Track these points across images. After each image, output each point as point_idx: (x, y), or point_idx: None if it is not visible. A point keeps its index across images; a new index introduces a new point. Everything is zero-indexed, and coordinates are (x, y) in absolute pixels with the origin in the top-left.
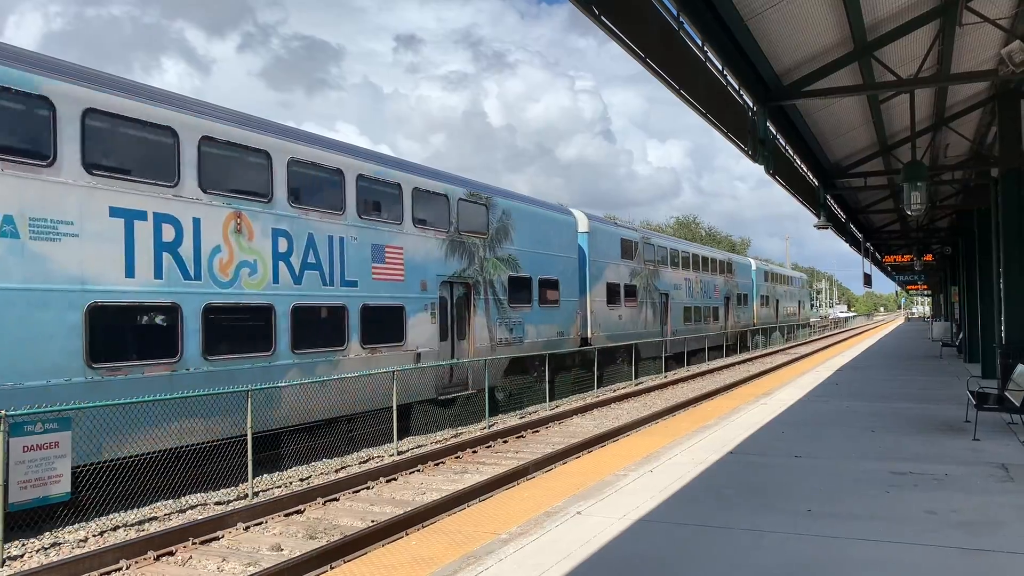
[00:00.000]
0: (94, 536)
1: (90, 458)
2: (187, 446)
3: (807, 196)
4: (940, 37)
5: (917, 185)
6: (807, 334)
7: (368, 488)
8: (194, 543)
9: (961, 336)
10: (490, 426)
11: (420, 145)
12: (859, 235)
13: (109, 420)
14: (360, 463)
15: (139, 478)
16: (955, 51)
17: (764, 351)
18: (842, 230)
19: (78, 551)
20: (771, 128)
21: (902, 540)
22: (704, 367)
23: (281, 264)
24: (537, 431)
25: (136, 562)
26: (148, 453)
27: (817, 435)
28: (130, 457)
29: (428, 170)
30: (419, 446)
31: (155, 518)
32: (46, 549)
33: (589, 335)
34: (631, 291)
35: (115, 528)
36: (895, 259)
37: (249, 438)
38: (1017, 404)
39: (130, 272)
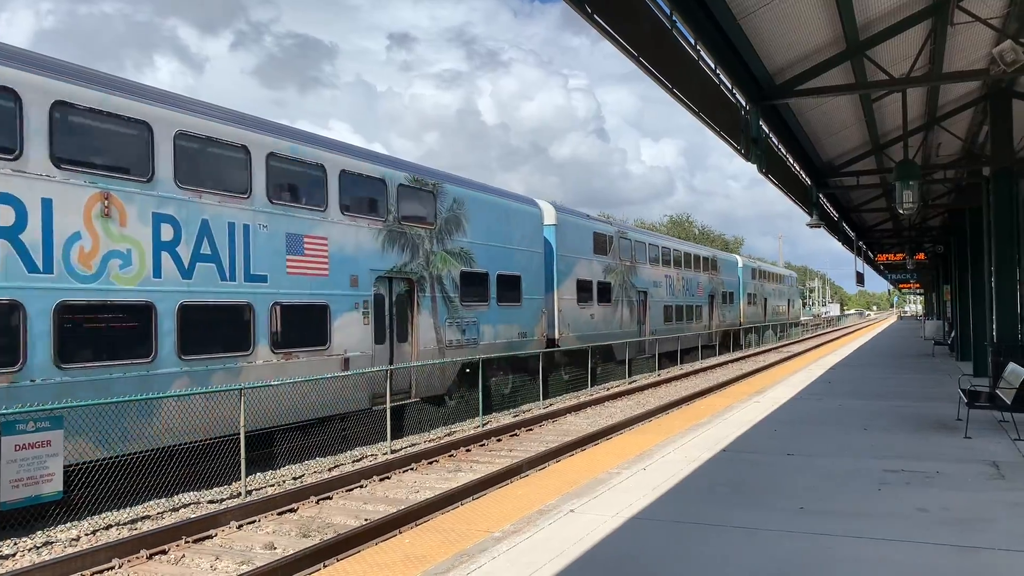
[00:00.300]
0: (86, 535)
1: None
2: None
3: (800, 195)
4: (932, 36)
5: (909, 184)
6: (799, 332)
7: (361, 487)
8: (187, 542)
9: (953, 334)
10: (484, 424)
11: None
12: (851, 234)
13: None
14: (353, 462)
15: (131, 477)
16: (947, 50)
17: (757, 350)
18: (835, 229)
19: (70, 550)
20: (764, 127)
21: (894, 537)
22: (698, 365)
23: (165, 255)
24: (531, 429)
25: (129, 561)
26: (140, 452)
27: (810, 433)
28: (123, 456)
29: (361, 151)
30: (412, 444)
31: (148, 517)
32: (38, 548)
33: (557, 336)
34: (605, 289)
35: (107, 527)
36: (887, 258)
37: (242, 437)
38: (1008, 402)
39: None
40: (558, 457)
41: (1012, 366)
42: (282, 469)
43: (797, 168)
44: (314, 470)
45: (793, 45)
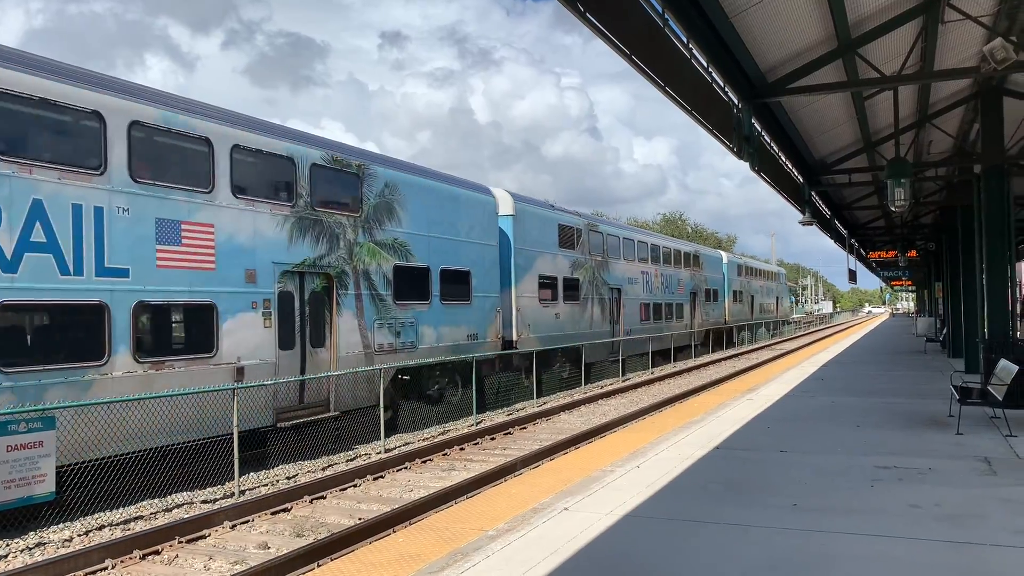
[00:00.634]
0: (79, 536)
1: None
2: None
3: (792, 193)
4: (923, 34)
5: (901, 182)
6: (792, 330)
7: (355, 486)
8: (180, 542)
9: (945, 331)
10: (478, 423)
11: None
12: (844, 231)
13: None
14: (347, 461)
15: (124, 477)
16: (938, 48)
17: (750, 347)
18: (827, 226)
19: (63, 551)
20: (756, 125)
21: (887, 534)
22: (691, 363)
23: None
24: (524, 428)
25: (122, 561)
26: (133, 452)
27: (803, 430)
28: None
29: (262, 124)
30: (406, 443)
31: (141, 517)
32: (31, 549)
33: (515, 337)
34: (572, 285)
35: (100, 527)
36: (880, 255)
37: (235, 437)
38: (1000, 398)
39: None
40: (552, 455)
41: (1003, 362)
42: (276, 469)
43: (789, 166)
44: (308, 470)
45: (785, 43)
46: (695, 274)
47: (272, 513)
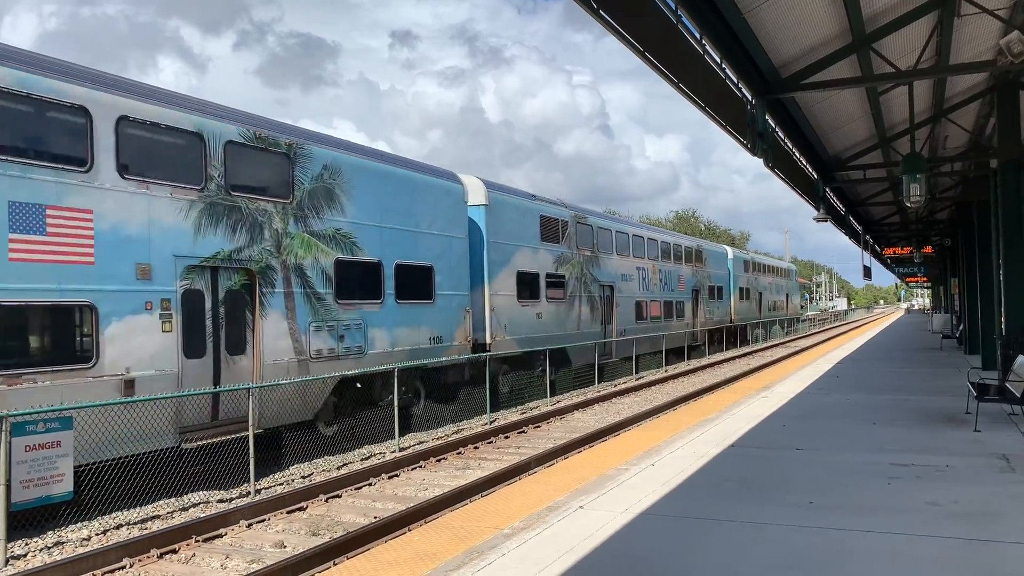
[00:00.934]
0: (97, 535)
1: None
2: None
3: (806, 189)
4: (939, 28)
5: (916, 177)
6: (807, 327)
7: (370, 485)
8: (197, 541)
9: (961, 328)
10: (491, 422)
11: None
12: (858, 228)
13: None
14: (362, 460)
15: (141, 477)
16: (954, 42)
17: (763, 345)
18: (841, 223)
19: (81, 550)
20: (770, 121)
21: (904, 531)
22: (705, 361)
23: None
24: (538, 426)
25: (140, 560)
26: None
27: (818, 428)
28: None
29: (161, 93)
30: (421, 442)
31: (157, 516)
32: (49, 548)
33: (489, 340)
34: (557, 283)
35: (118, 527)
36: (895, 251)
37: (251, 436)
38: (1017, 395)
39: None
40: (566, 454)
41: (1021, 359)
42: (291, 468)
43: (804, 162)
44: (323, 469)
45: (799, 38)
46: (697, 270)
47: (288, 512)
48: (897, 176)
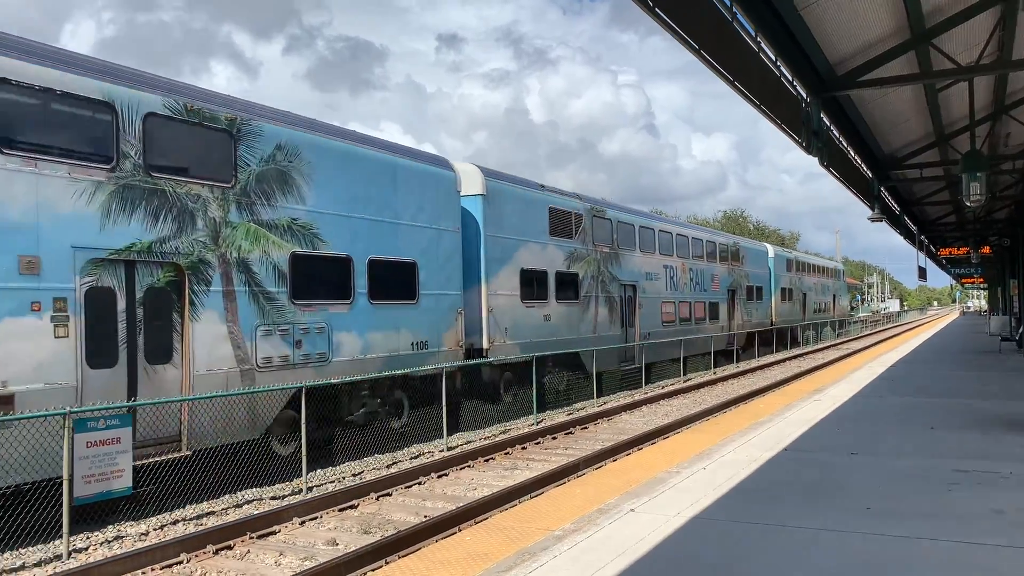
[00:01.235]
0: (154, 530)
1: None
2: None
3: (861, 188)
4: (1001, 23)
5: (976, 175)
6: (857, 329)
7: (420, 483)
8: (251, 537)
9: (1021, 330)
10: (538, 422)
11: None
12: (913, 228)
13: None
14: (411, 458)
15: (196, 473)
16: (1017, 37)
17: (814, 347)
18: (896, 223)
19: (140, 544)
20: (824, 119)
21: (969, 540)
22: (754, 363)
23: None
24: (586, 428)
25: (196, 555)
26: (205, 449)
27: (874, 432)
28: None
29: (59, 54)
30: (468, 442)
31: (212, 512)
32: (109, 542)
33: (486, 344)
34: (568, 282)
35: (174, 522)
36: (950, 252)
37: (303, 434)
38: None
39: None
40: (615, 456)
41: None
42: (341, 466)
43: (858, 161)
44: (372, 467)
45: (855, 35)
46: (734, 269)
47: (339, 510)
48: (955, 175)
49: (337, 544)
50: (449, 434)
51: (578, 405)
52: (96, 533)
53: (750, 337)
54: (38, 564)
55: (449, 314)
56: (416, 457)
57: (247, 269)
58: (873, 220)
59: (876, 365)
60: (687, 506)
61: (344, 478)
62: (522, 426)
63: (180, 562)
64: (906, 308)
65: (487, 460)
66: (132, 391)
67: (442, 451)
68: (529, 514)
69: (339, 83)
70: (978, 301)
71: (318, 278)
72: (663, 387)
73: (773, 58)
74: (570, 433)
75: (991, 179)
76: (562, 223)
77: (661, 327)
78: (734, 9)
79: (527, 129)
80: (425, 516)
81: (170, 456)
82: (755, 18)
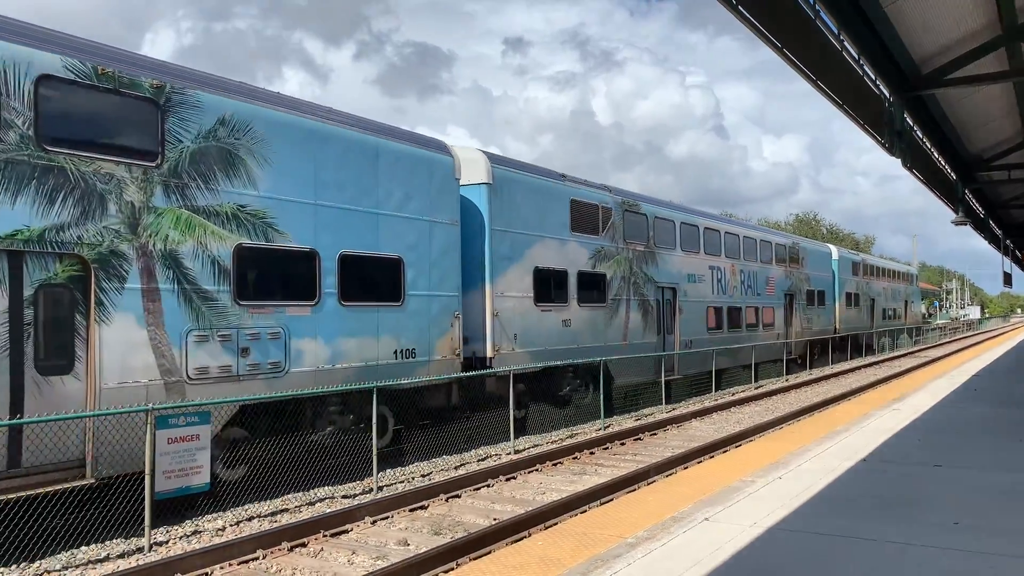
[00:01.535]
0: (231, 526)
1: None
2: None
3: (944, 191)
4: None
5: None
6: (936, 337)
7: (488, 486)
8: (325, 535)
9: None
10: (605, 427)
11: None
12: (999, 232)
13: None
14: (479, 460)
15: (271, 471)
16: None
17: (890, 355)
18: (980, 227)
19: (217, 539)
20: (908, 119)
21: None
22: (828, 371)
23: None
24: (654, 434)
25: (271, 552)
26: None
27: (957, 443)
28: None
29: None
30: (535, 445)
31: (286, 510)
32: (188, 536)
33: (490, 352)
34: (594, 282)
35: (250, 519)
36: None
37: (374, 433)
38: None
39: None
40: (685, 463)
41: None
42: (410, 466)
43: (942, 162)
44: (441, 468)
45: (941, 32)
46: (792, 272)
47: (410, 510)
48: None
49: (408, 544)
50: (516, 437)
51: (646, 411)
52: (175, 527)
53: (811, 345)
54: (121, 556)
55: (443, 318)
56: (484, 459)
57: (176, 264)
58: (957, 224)
59: (957, 374)
60: (764, 516)
61: (413, 478)
62: (588, 431)
63: (256, 558)
64: (987, 315)
65: (555, 464)
66: (16, 408)
67: (509, 454)
68: (600, 520)
69: (407, 88)
70: None
71: (272, 275)
72: (733, 394)
73: (856, 56)
74: (639, 439)
75: None
76: (587, 218)
77: (706, 334)
78: (817, 7)
79: (593, 131)
80: (495, 519)
81: (73, 484)
82: (838, 15)
